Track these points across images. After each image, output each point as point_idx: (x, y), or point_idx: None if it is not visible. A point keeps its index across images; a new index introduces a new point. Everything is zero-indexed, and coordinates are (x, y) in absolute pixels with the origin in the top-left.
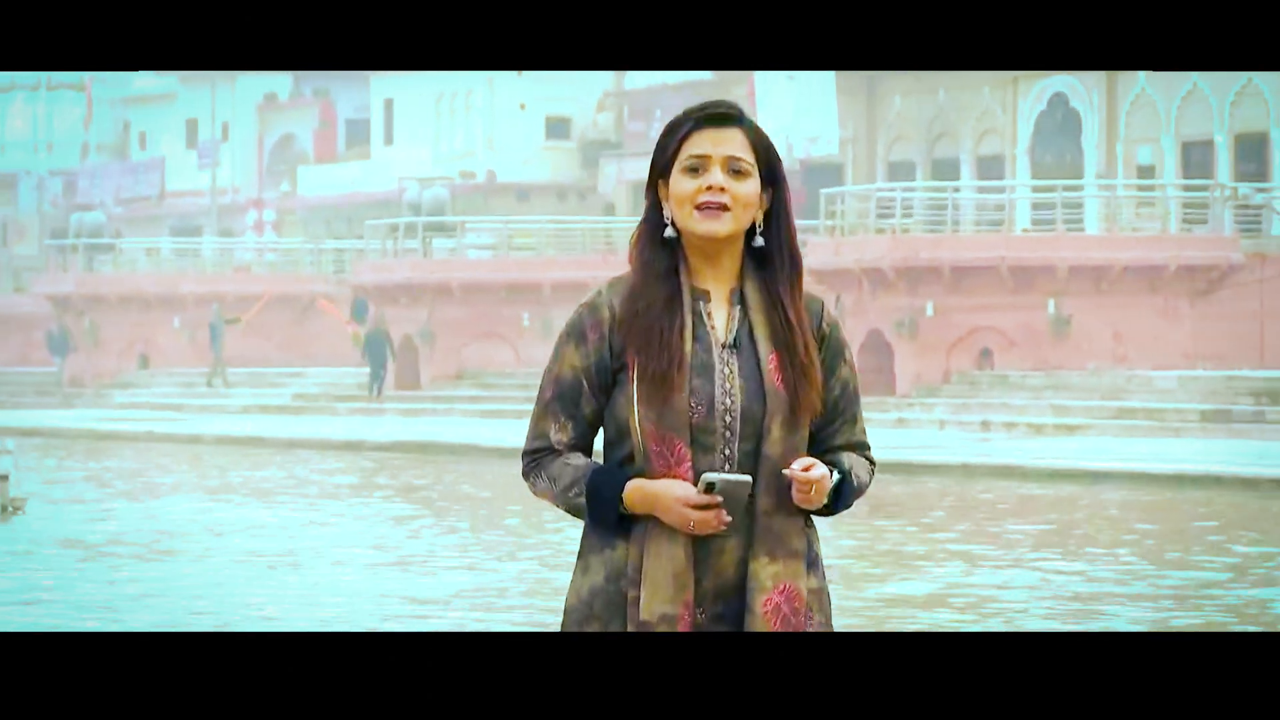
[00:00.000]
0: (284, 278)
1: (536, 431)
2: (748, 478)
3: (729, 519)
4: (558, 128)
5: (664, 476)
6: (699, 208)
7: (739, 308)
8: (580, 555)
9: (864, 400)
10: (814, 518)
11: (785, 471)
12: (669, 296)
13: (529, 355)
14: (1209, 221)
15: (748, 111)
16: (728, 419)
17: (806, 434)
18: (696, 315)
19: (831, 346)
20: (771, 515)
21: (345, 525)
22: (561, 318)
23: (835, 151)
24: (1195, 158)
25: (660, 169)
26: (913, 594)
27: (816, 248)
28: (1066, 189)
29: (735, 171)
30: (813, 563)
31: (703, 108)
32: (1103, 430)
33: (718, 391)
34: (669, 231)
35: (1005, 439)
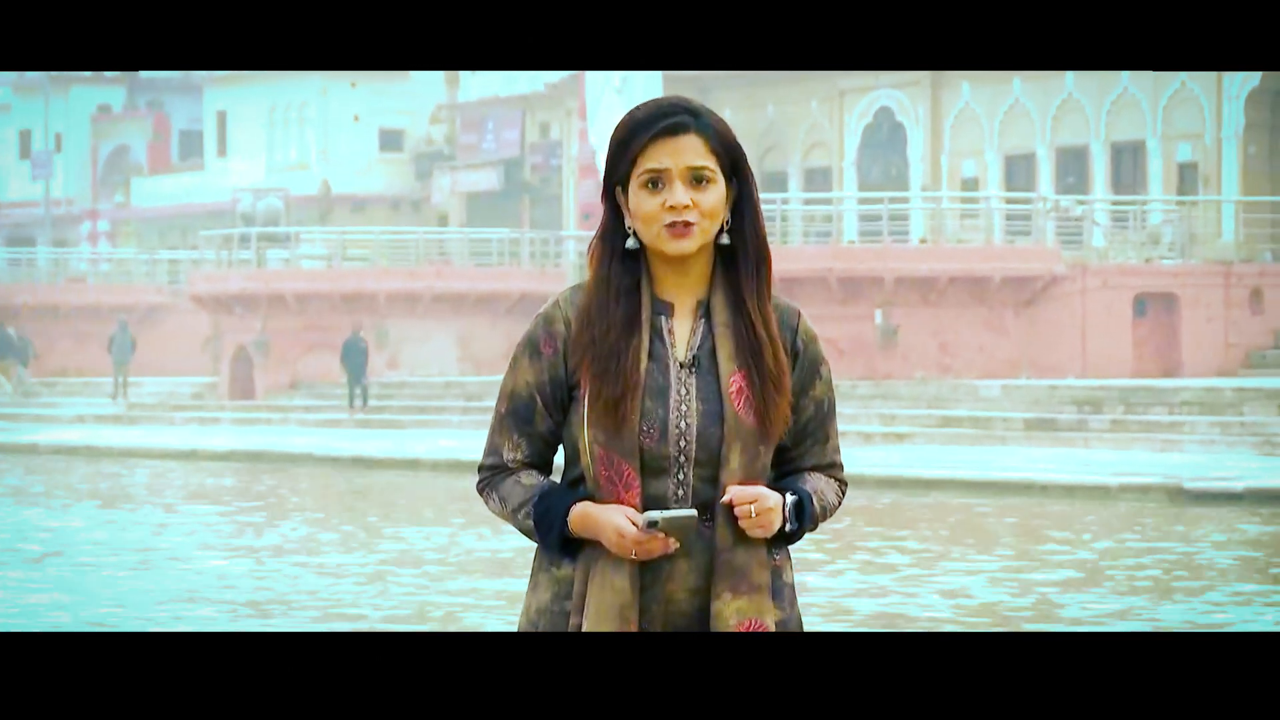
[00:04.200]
0: (118, 288)
1: (490, 447)
2: (693, 511)
3: (675, 545)
4: (391, 139)
5: (613, 501)
6: (666, 226)
7: (704, 321)
8: (532, 573)
9: None
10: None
11: (723, 500)
12: (628, 317)
13: None
14: (1032, 233)
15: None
16: (682, 444)
17: (770, 459)
18: (655, 331)
19: (806, 363)
20: (731, 549)
21: (181, 532)
22: (396, 328)
23: None
24: (1018, 170)
25: (616, 179)
26: None
27: None
28: (893, 201)
29: (698, 180)
30: (778, 592)
31: (652, 119)
32: (930, 439)
33: (672, 415)
34: (631, 242)
35: None
